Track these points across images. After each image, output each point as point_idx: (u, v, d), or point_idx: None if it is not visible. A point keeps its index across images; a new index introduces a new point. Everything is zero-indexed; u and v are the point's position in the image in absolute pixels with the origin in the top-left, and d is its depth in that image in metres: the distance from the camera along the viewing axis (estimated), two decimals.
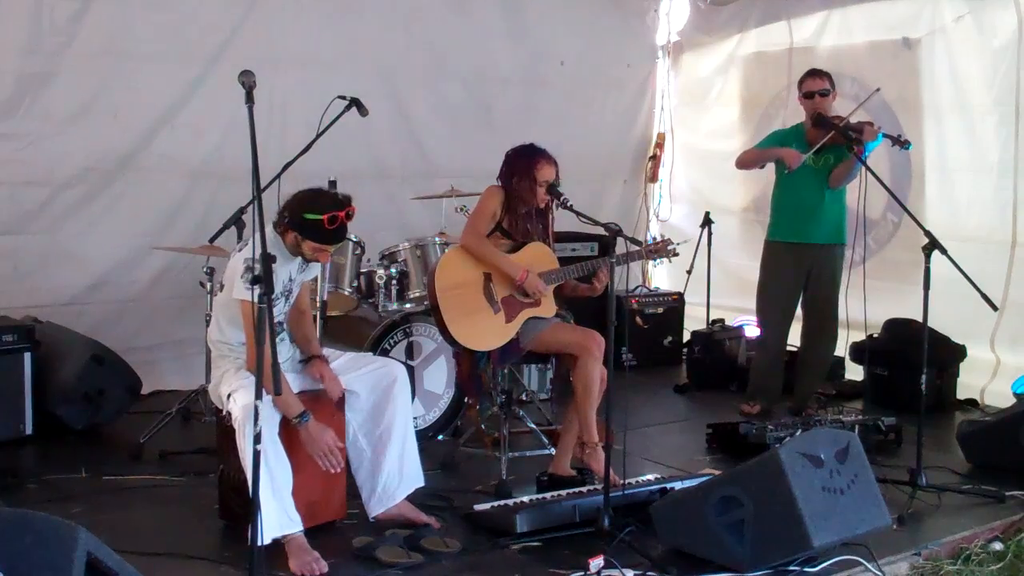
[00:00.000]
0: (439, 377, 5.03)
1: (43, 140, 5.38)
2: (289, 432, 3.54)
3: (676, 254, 4.37)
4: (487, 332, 4.26)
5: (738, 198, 7.26)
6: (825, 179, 5.44)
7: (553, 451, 4.47)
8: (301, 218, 3.57)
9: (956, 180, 6.19)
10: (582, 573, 3.31)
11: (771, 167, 5.67)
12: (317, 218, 3.54)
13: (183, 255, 5.37)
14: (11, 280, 5.38)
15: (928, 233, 4.20)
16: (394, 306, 5.02)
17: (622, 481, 3.86)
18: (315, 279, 4.61)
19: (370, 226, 5.55)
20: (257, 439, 2.84)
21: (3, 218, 5.35)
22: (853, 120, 5.23)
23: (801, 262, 5.54)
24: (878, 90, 5.39)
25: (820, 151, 5.35)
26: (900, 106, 6.38)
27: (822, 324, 5.62)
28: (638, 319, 6.89)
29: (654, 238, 4.55)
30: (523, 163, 4.31)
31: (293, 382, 3.66)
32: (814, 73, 5.51)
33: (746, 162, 5.69)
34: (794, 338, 5.81)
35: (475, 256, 4.29)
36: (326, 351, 3.92)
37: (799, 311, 5.70)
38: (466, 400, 4.94)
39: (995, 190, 5.97)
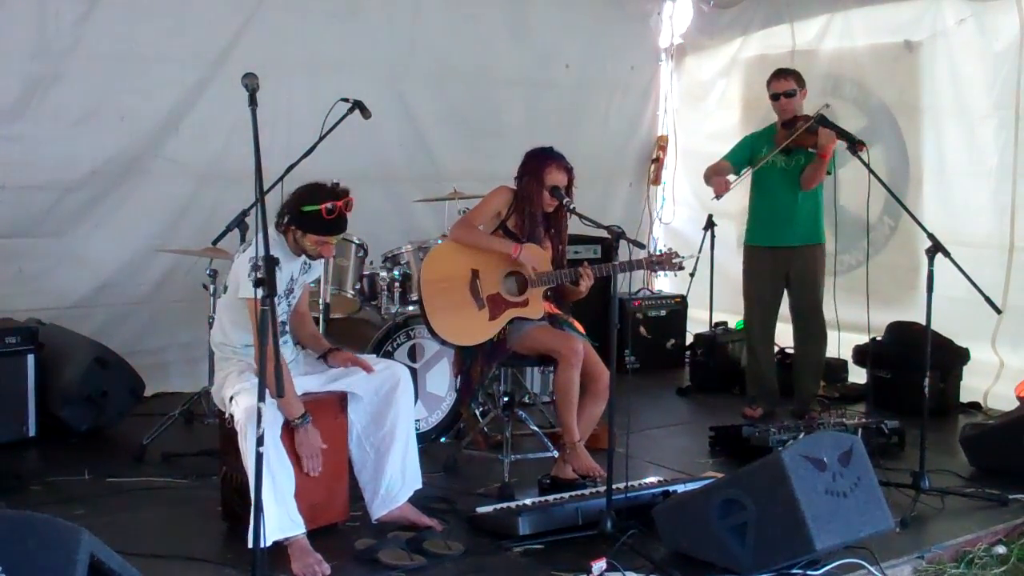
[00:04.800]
0: (441, 379, 5.03)
1: (49, 143, 5.39)
2: (291, 434, 3.55)
3: (682, 267, 4.33)
4: (468, 327, 4.27)
5: (737, 201, 7.25)
6: (797, 181, 5.43)
7: (555, 454, 4.47)
8: (299, 212, 3.58)
9: (954, 184, 6.17)
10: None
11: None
12: (315, 209, 3.55)
13: (188, 257, 5.38)
14: (17, 283, 5.40)
15: (931, 236, 4.19)
16: (397, 308, 5.02)
17: (603, 473, 3.97)
18: (317, 280, 4.61)
19: (375, 228, 5.57)
20: (260, 441, 2.84)
21: (9, 221, 5.36)
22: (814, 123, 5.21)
23: (778, 265, 5.54)
24: (827, 106, 5.39)
25: (791, 152, 5.35)
26: (900, 109, 6.38)
27: (808, 325, 5.61)
28: (642, 329, 6.89)
29: (660, 250, 4.50)
30: (534, 164, 4.33)
31: (297, 383, 3.66)
32: (780, 73, 5.48)
33: (704, 177, 5.62)
34: (786, 340, 5.82)
35: (465, 244, 4.31)
36: None
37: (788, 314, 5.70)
38: (457, 396, 4.94)
39: (993, 194, 5.95)
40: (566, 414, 4.22)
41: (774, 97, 5.45)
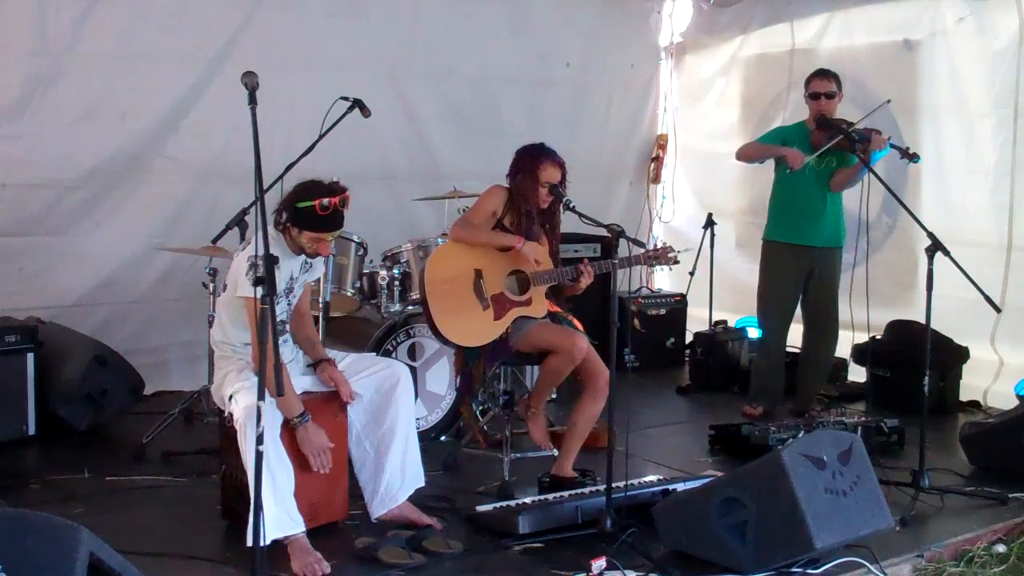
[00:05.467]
0: (441, 378, 5.03)
1: (50, 142, 5.38)
2: (291, 433, 3.55)
3: (677, 262, 4.35)
4: (474, 328, 4.27)
5: (736, 201, 7.26)
6: (827, 182, 5.43)
7: (555, 452, 4.47)
8: (294, 209, 3.58)
9: (952, 183, 6.17)
10: (584, 574, 3.31)
11: (771, 166, 5.66)
12: (309, 205, 3.54)
13: (188, 256, 5.37)
14: (17, 281, 5.39)
15: (931, 235, 4.20)
16: (396, 307, 5.03)
17: (554, 449, 4.28)
18: (317, 280, 4.61)
19: (375, 227, 5.56)
20: (259, 440, 2.84)
21: (10, 220, 5.35)
22: (860, 127, 5.21)
23: (800, 264, 5.53)
24: (888, 102, 5.37)
25: (824, 154, 5.34)
26: (898, 108, 6.35)
27: (823, 326, 5.62)
28: (636, 322, 6.88)
29: (655, 245, 4.51)
30: (528, 162, 4.33)
31: (296, 383, 3.67)
32: (822, 74, 5.49)
33: (747, 155, 5.64)
34: (796, 339, 5.82)
35: (467, 241, 4.32)
36: (330, 353, 3.92)
37: (800, 313, 5.70)
38: (457, 395, 4.94)
39: (991, 193, 5.95)
40: (543, 387, 4.43)
41: (814, 96, 5.43)
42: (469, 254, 4.32)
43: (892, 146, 5.06)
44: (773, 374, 5.74)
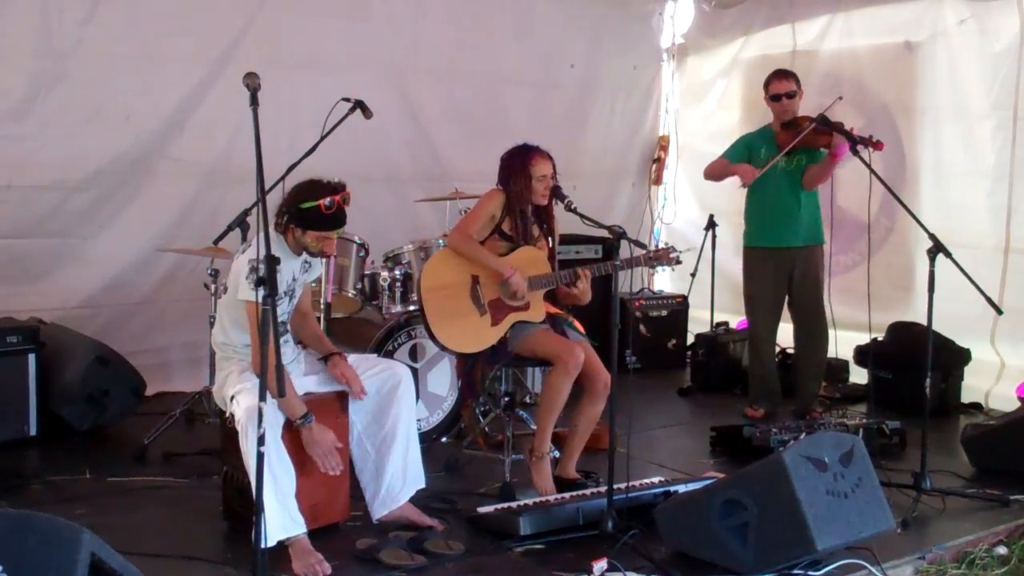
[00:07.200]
0: (443, 379, 5.03)
1: (54, 143, 5.38)
2: (292, 434, 3.55)
3: (679, 262, 4.31)
4: (472, 335, 4.25)
5: (736, 202, 7.25)
6: (799, 181, 5.44)
7: (556, 454, 4.47)
8: (298, 210, 3.58)
9: (951, 184, 6.17)
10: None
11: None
12: (313, 205, 3.55)
13: (191, 257, 5.38)
14: (21, 282, 5.40)
15: (933, 236, 4.19)
16: (398, 308, 5.03)
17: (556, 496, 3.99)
18: (317, 280, 4.62)
19: (377, 228, 5.56)
20: (261, 441, 2.85)
21: (14, 221, 5.36)
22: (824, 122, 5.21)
23: (782, 266, 5.54)
24: (840, 98, 5.39)
25: (792, 153, 5.35)
26: (898, 109, 6.37)
27: (812, 325, 5.61)
28: (642, 328, 6.89)
29: (657, 245, 4.51)
30: (518, 162, 4.33)
31: (298, 384, 3.67)
32: (781, 74, 5.50)
33: (711, 175, 5.68)
34: (787, 340, 5.82)
35: (462, 255, 4.30)
36: None
37: (787, 314, 5.70)
38: (459, 398, 4.95)
39: (989, 195, 5.95)
40: (546, 419, 4.21)
41: (775, 98, 5.45)
42: (465, 260, 4.30)
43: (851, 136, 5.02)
44: (769, 376, 5.76)
